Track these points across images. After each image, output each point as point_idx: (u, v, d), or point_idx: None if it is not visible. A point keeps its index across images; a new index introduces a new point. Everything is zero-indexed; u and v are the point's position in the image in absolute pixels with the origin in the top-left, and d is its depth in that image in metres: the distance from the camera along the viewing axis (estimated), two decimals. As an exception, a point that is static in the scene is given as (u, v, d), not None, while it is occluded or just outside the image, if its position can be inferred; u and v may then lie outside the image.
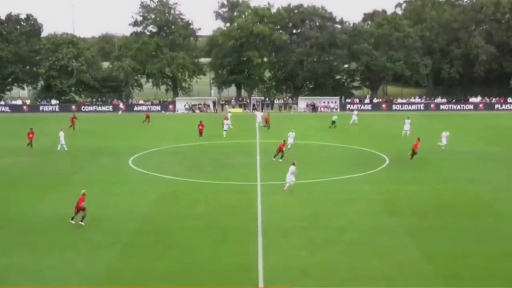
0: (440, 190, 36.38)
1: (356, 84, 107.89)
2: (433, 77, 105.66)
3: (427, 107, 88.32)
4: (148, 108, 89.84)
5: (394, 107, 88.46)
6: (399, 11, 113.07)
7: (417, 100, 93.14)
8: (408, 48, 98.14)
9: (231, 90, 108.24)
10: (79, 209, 28.09)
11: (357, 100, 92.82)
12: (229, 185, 37.89)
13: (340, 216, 30.61)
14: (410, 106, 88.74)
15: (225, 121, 61.44)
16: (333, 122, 65.14)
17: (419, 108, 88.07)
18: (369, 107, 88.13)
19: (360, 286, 21.68)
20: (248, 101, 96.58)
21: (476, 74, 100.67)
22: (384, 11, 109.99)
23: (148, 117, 72.28)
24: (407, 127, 59.09)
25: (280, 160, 43.88)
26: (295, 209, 32.03)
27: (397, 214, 31.07)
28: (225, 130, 59.71)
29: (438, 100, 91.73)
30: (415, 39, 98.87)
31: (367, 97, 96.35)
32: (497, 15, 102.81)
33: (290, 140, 50.32)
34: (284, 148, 45.21)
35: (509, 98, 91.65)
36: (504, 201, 33.85)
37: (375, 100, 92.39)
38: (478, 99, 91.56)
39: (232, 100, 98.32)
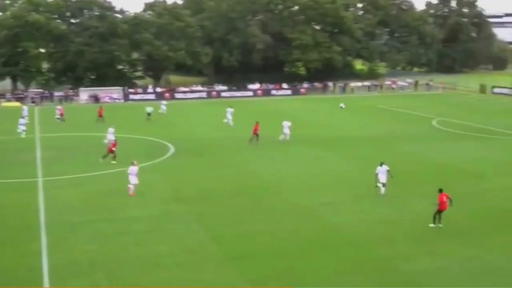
0: (224, 174, 37.56)
1: (139, 74, 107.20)
2: (214, 66, 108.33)
3: (209, 94, 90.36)
4: None
5: (177, 95, 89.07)
6: (179, 1, 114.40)
7: (200, 88, 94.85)
8: (189, 37, 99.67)
9: (7, 83, 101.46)
10: None
11: (140, 90, 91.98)
12: (7, 184, 35.61)
13: (128, 207, 30.37)
14: (193, 94, 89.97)
15: (21, 120, 54.34)
16: (148, 114, 62.67)
17: (201, 96, 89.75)
18: (152, 96, 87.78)
19: (151, 273, 21.72)
20: (25, 94, 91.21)
21: (254, 62, 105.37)
22: (164, 1, 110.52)
23: None
24: (229, 116, 58.81)
25: (114, 162, 39.87)
26: (81, 203, 31.14)
27: (184, 200, 31.56)
28: (23, 130, 52.84)
29: (220, 87, 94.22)
30: (196, 28, 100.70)
31: (150, 87, 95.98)
32: (271, 6, 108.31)
33: (110, 137, 45.67)
34: (114, 148, 41.03)
35: (284, 84, 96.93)
36: (283, 181, 35.88)
37: (158, 90, 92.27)
38: (256, 85, 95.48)
39: (7, 94, 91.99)
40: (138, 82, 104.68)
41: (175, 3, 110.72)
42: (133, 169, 32.36)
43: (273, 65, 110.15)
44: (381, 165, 31.90)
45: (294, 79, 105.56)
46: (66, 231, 26.44)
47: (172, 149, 46.12)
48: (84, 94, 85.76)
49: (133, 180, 32.20)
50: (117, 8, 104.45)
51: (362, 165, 39.66)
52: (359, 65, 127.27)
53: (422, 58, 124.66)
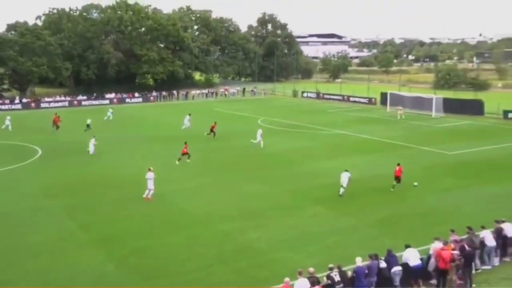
0: (86, 172, 36.31)
1: (5, 86, 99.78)
2: (74, 78, 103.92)
3: (71, 103, 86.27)
4: None
5: (42, 105, 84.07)
6: (39, 23, 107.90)
7: (62, 98, 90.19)
8: (50, 54, 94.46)
9: None
10: None
11: (7, 101, 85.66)
12: None
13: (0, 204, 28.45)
14: (57, 103, 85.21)
15: None
16: (87, 125, 54.69)
17: (64, 105, 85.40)
18: (19, 106, 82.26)
19: (26, 262, 20.62)
20: None
21: (109, 75, 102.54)
22: (26, 22, 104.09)
23: None
24: (187, 122, 55.81)
25: None
26: (-44, 204, 28.66)
27: (53, 196, 30.18)
28: None
29: (80, 97, 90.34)
30: (56, 46, 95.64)
31: (17, 98, 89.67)
32: (122, 28, 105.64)
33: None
34: None
35: (136, 93, 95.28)
36: (139, 174, 35.29)
37: (24, 100, 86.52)
38: (112, 95, 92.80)
39: None
40: (5, 94, 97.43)
41: (35, 24, 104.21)
42: (150, 175, 29.15)
43: (126, 77, 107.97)
44: (346, 170, 29.13)
45: (144, 89, 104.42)
46: None
47: (40, 152, 43.60)
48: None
49: (150, 185, 28.93)
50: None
51: (203, 157, 40.23)
52: (197, 76, 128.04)
53: (247, 69, 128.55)
